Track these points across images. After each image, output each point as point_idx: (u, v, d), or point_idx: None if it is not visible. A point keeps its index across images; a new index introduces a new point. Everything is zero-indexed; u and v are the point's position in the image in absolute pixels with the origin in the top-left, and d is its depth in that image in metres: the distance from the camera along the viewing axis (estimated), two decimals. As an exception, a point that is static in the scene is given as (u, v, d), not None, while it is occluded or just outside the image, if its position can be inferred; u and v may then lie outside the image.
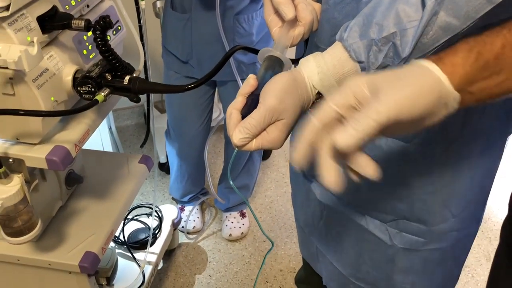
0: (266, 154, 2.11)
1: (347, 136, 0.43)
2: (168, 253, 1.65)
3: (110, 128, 2.01)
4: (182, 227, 1.72)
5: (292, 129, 0.55)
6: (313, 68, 0.55)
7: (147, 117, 1.76)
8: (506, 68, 0.45)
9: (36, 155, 0.84)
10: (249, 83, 0.55)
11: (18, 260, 1.04)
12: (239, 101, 0.55)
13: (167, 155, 1.99)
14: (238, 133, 0.52)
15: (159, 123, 1.92)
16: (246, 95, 0.55)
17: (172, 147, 1.63)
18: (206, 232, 1.78)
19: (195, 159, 1.61)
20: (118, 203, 1.17)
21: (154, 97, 1.56)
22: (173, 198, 1.85)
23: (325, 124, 0.46)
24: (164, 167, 2.02)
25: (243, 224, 1.76)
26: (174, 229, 1.57)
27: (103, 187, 1.20)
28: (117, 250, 1.39)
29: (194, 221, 1.77)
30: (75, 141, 0.88)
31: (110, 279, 1.28)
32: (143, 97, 0.96)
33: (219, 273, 1.62)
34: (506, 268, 0.83)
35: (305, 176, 0.92)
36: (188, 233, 1.74)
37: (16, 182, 0.86)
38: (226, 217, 1.77)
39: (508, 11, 0.48)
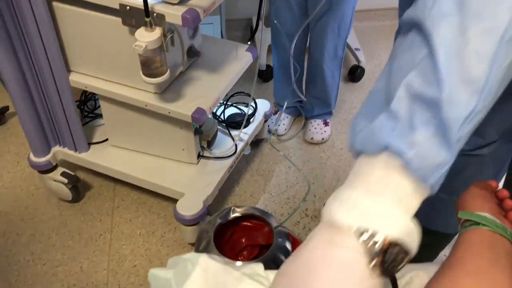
0: (356, 78, 2.25)
1: None
2: (256, 143, 1.90)
3: (221, 35, 2.25)
4: (269, 131, 1.95)
5: None
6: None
7: (253, 29, 1.98)
8: None
9: (174, 12, 1.07)
10: None
11: (146, 105, 1.32)
12: None
13: (266, 65, 2.21)
14: None
15: (263, 34, 2.11)
16: None
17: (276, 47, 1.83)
18: (291, 134, 2.00)
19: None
20: (226, 78, 1.40)
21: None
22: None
23: None
24: (263, 75, 2.23)
25: (324, 131, 1.95)
26: (265, 121, 1.79)
27: (215, 64, 1.44)
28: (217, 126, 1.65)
29: (283, 124, 1.99)
30: (204, 8, 1.10)
31: (210, 144, 1.54)
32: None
33: (297, 167, 1.84)
34: None
35: None
36: (275, 135, 1.97)
37: (157, 32, 1.10)
38: (311, 123, 1.97)
39: None
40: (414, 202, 0.43)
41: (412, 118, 0.41)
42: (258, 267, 0.60)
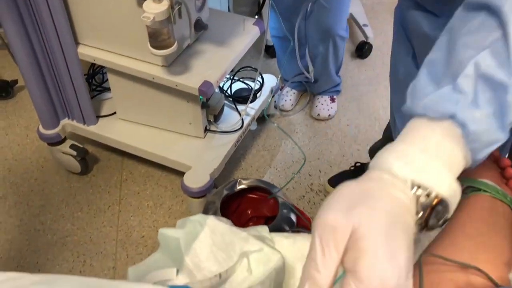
0: (364, 54, 2.24)
1: None
2: (262, 119, 1.91)
3: (228, 9, 2.24)
4: (275, 107, 1.95)
5: None
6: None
7: (260, 3, 1.97)
8: None
9: (182, -16, 1.07)
10: None
11: (153, 78, 1.34)
12: None
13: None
14: None
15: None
16: None
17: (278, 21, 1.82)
18: (297, 109, 2.00)
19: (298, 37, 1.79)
20: (233, 51, 1.40)
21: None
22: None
23: None
24: (270, 50, 2.23)
25: (331, 108, 1.95)
26: (272, 96, 1.80)
27: (222, 37, 1.44)
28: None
29: (290, 100, 1.99)
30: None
31: (216, 118, 1.56)
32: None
33: (303, 142, 1.86)
34: None
35: None
36: (281, 109, 1.98)
37: (165, 4, 1.11)
38: (318, 99, 1.97)
39: None
40: (459, 171, 0.46)
41: (477, 95, 0.44)
42: (264, 229, 0.62)
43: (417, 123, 0.47)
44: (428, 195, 0.43)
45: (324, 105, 1.95)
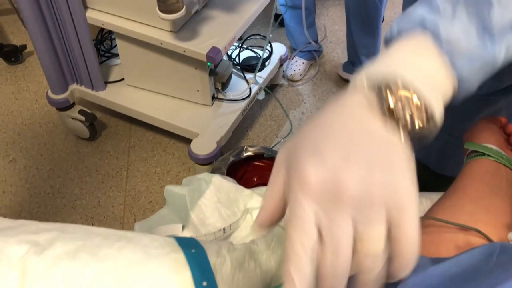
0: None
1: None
2: (271, 88, 1.90)
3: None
4: (283, 76, 1.94)
5: None
6: None
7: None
8: None
9: None
10: None
11: (161, 43, 1.33)
12: None
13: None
14: None
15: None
16: None
17: None
18: (306, 80, 1.99)
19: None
20: (242, 17, 1.39)
21: None
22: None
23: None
24: (279, 20, 2.20)
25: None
26: (280, 65, 1.79)
27: (231, 3, 1.42)
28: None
29: (299, 69, 1.98)
30: None
31: (224, 86, 1.56)
32: None
33: (311, 113, 1.85)
34: None
35: None
36: (290, 79, 1.97)
37: (174, -33, 1.09)
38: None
39: None
40: (444, 84, 0.39)
41: (455, 9, 0.39)
42: None
43: (392, 45, 0.41)
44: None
45: None
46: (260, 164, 1.32)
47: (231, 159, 1.25)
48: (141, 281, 0.41)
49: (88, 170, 1.65)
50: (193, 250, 0.44)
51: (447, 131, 0.63)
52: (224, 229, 0.54)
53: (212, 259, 0.44)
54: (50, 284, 0.39)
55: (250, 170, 1.33)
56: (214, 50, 1.28)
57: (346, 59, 1.98)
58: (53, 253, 0.41)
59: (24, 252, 0.40)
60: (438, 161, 1.07)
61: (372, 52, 1.82)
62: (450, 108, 0.42)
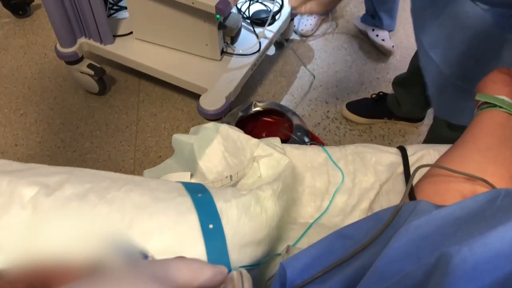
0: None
1: None
2: (280, 45, 1.87)
3: None
4: (294, 31, 1.90)
5: None
6: None
7: None
8: None
9: None
10: None
11: (170, -5, 1.30)
12: None
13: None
14: None
15: None
16: None
17: None
18: (317, 35, 1.96)
19: None
20: (252, -31, 1.35)
21: None
22: None
23: None
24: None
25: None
26: (291, 19, 1.75)
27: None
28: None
29: (310, 24, 1.94)
30: None
31: (233, 40, 1.53)
32: None
33: (322, 69, 1.83)
34: None
35: None
36: (301, 34, 1.93)
37: None
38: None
39: None
40: None
41: None
42: (276, 140, 0.63)
43: None
44: None
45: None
46: (269, 119, 1.32)
47: (240, 114, 1.24)
48: (148, 223, 0.42)
49: (98, 124, 1.66)
50: (199, 195, 0.45)
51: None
52: (231, 176, 0.54)
53: (219, 203, 0.44)
54: (60, 223, 0.40)
55: (259, 125, 1.33)
56: (223, 2, 1.25)
57: (358, 14, 1.93)
58: (63, 195, 0.42)
59: (35, 193, 0.41)
60: (455, 112, 1.04)
61: (390, 7, 1.77)
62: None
